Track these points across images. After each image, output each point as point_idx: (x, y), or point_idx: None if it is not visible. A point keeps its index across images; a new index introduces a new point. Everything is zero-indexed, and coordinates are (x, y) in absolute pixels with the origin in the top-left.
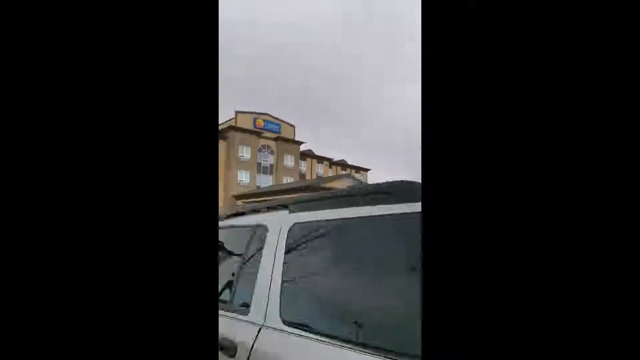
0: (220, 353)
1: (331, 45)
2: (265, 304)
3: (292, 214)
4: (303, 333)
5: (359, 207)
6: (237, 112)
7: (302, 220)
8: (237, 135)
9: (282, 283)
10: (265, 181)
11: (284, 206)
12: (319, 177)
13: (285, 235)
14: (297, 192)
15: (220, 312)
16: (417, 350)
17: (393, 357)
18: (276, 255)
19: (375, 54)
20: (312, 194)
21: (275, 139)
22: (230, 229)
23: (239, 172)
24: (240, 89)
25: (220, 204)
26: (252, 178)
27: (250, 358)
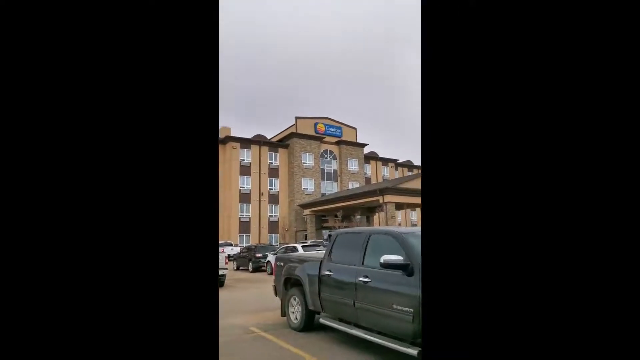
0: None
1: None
2: None
3: None
4: None
5: None
6: (297, 118)
7: None
8: (299, 142)
9: None
10: (330, 188)
11: None
12: (395, 179)
13: None
14: (370, 197)
15: None
16: None
17: None
18: None
19: None
20: None
21: (337, 143)
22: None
23: (303, 179)
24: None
25: (287, 214)
26: (317, 185)
27: None
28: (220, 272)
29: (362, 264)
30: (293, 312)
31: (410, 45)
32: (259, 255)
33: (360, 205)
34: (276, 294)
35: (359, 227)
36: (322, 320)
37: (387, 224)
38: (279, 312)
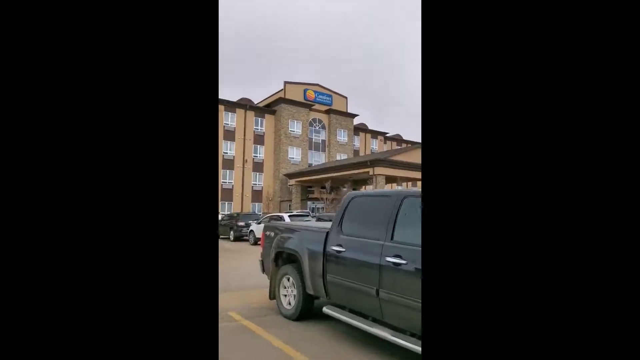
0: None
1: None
2: None
3: None
4: None
5: None
6: (285, 83)
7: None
8: (287, 109)
9: None
10: (317, 158)
11: None
12: (386, 151)
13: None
14: (360, 168)
15: None
16: None
17: None
18: None
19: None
20: None
21: (327, 112)
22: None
23: (289, 148)
24: (288, 60)
25: (271, 183)
26: (304, 155)
27: None
28: None
29: (392, 238)
30: (285, 296)
31: (407, 20)
32: (241, 223)
33: (349, 177)
34: (263, 270)
35: (386, 189)
36: (326, 310)
37: None
38: (265, 292)
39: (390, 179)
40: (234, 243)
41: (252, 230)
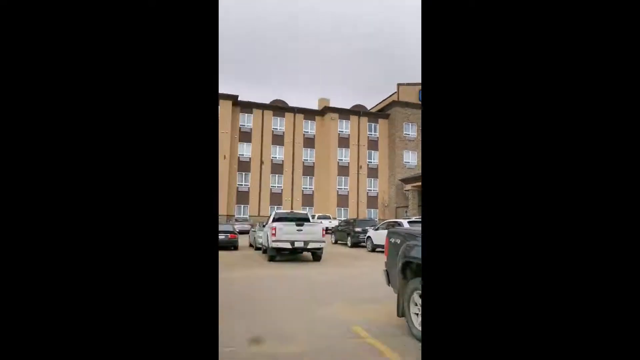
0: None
1: None
2: None
3: None
4: None
5: None
6: (399, 85)
7: None
8: (401, 112)
9: None
10: None
11: None
12: None
13: None
14: None
15: None
16: None
17: None
18: None
19: None
20: None
21: None
22: None
23: (404, 152)
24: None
25: (386, 188)
26: (419, 158)
27: None
28: (317, 245)
29: None
30: (417, 315)
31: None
32: (358, 229)
33: None
34: (389, 282)
35: None
36: None
37: None
38: (390, 305)
39: None
40: (351, 249)
41: (369, 237)
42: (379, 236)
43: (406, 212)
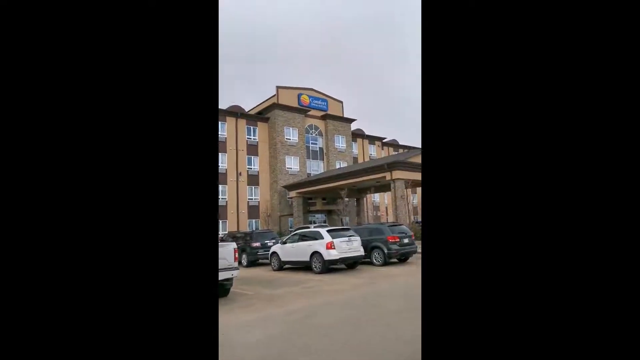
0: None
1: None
2: None
3: None
4: None
5: None
6: (278, 88)
7: None
8: (282, 115)
9: None
10: (316, 167)
11: None
12: (400, 153)
13: None
14: (374, 173)
15: None
16: None
17: None
18: None
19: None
20: None
21: (323, 118)
22: None
23: (287, 157)
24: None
25: (268, 197)
26: (302, 164)
27: None
28: (224, 276)
29: None
30: None
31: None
32: (255, 244)
33: (360, 184)
34: None
35: None
36: None
37: (395, 206)
38: None
39: (415, 184)
40: (249, 269)
41: (275, 252)
42: (291, 252)
43: (290, 220)
